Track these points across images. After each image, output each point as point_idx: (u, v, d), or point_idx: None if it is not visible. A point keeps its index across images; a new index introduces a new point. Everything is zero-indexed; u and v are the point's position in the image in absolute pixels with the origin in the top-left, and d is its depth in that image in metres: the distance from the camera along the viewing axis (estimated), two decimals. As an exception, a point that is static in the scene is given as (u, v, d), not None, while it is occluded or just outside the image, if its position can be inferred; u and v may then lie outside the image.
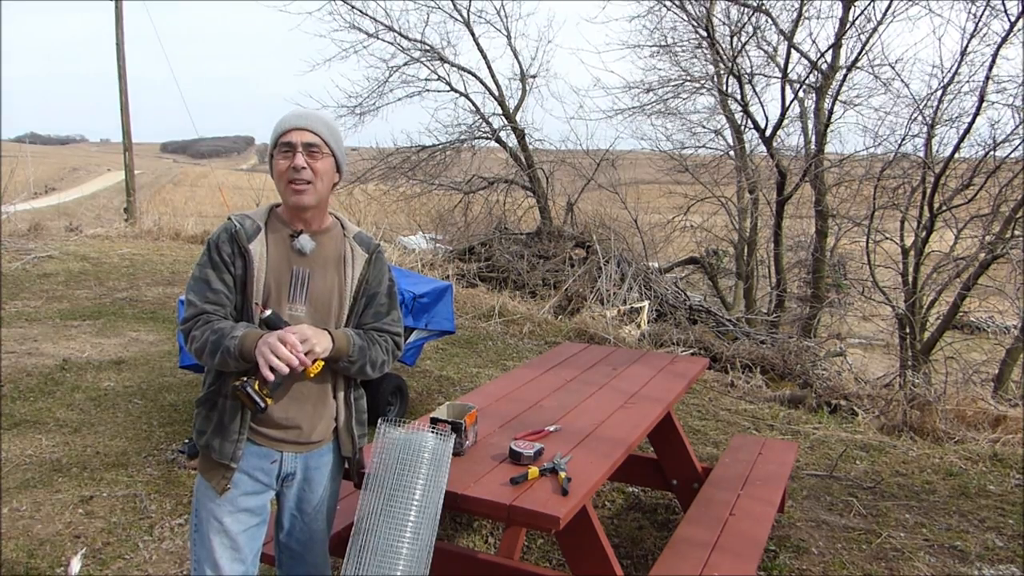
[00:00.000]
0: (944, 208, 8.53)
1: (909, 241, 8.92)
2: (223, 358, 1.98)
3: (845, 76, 10.05)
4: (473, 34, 12.17)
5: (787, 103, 10.54)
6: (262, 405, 1.97)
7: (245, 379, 1.97)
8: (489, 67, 12.33)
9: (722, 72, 11.03)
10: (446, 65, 12.19)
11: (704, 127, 12.64)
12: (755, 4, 10.04)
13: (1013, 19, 7.79)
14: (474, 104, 12.34)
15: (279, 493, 2.23)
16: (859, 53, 9.71)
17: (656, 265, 11.88)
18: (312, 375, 2.05)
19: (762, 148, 11.22)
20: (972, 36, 8.25)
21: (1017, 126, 8.19)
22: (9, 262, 10.11)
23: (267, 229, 2.12)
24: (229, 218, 2.13)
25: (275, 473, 2.17)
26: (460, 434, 2.49)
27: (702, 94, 12.12)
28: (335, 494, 2.32)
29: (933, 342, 8.30)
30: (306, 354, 1.97)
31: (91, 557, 3.40)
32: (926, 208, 8.62)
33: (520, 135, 12.25)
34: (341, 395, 2.23)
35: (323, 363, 2.06)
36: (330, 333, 2.08)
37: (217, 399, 2.11)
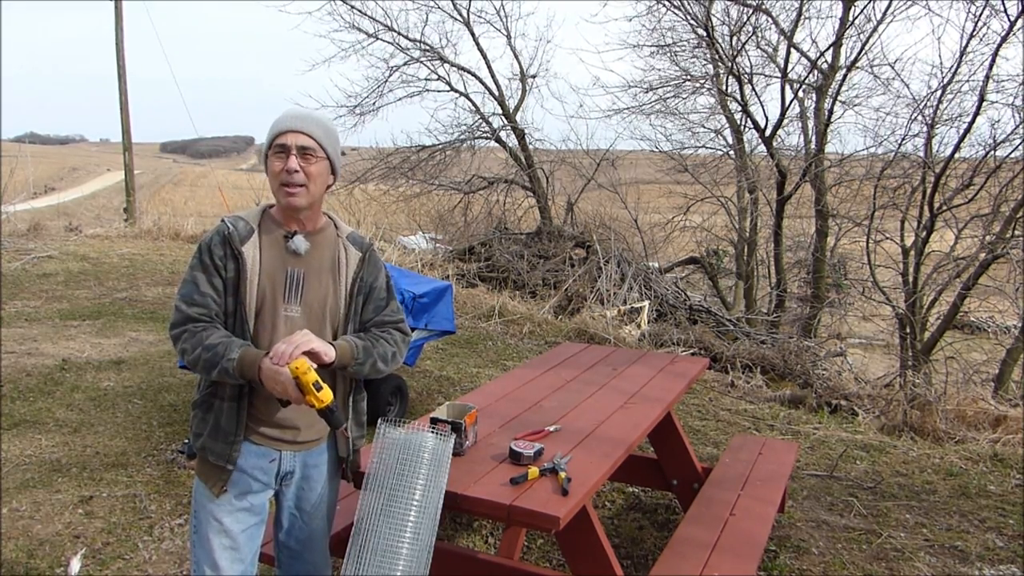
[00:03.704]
0: (944, 208, 8.53)
1: (909, 241, 8.91)
2: (222, 376, 2.02)
3: (845, 76, 10.06)
4: (473, 34, 12.19)
5: (787, 103, 10.54)
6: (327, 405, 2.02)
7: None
8: (489, 67, 12.35)
9: (722, 72, 11.02)
10: (446, 65, 12.20)
11: (704, 127, 12.65)
12: (755, 3, 10.03)
13: (1012, 19, 7.79)
14: (474, 104, 12.36)
15: (278, 492, 2.23)
16: (859, 53, 9.72)
17: (656, 265, 11.87)
18: (321, 405, 1.98)
19: (762, 148, 11.22)
20: (972, 36, 8.26)
21: (1017, 126, 8.20)
22: (9, 262, 10.11)
23: (260, 230, 2.12)
24: (222, 220, 2.13)
25: (274, 472, 2.17)
26: (460, 434, 2.49)
27: (702, 94, 12.13)
28: (334, 492, 2.32)
29: (933, 342, 8.29)
30: (304, 352, 1.98)
31: (91, 557, 3.40)
32: (926, 208, 8.61)
33: (520, 135, 12.25)
34: (340, 397, 2.23)
35: (329, 393, 2.00)
36: (332, 345, 2.08)
37: (213, 401, 2.10)
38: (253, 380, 1.99)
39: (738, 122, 11.85)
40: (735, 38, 10.48)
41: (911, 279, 8.75)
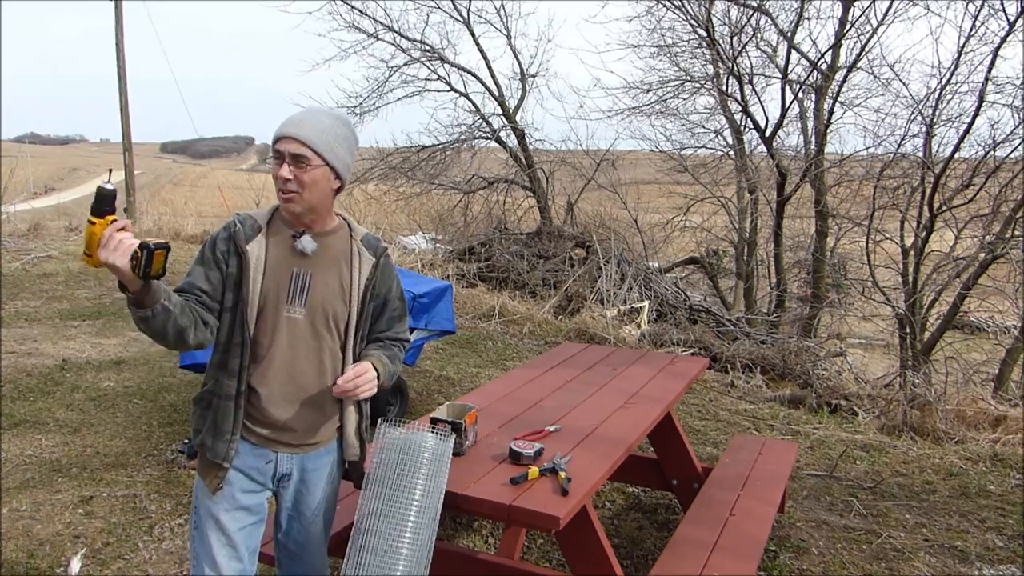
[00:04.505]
0: (944, 208, 8.52)
1: (909, 241, 8.92)
2: (132, 316, 1.88)
3: (845, 77, 10.05)
4: (473, 34, 12.18)
5: (787, 103, 10.54)
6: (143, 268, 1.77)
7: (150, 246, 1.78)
8: (489, 67, 12.34)
9: (722, 72, 11.02)
10: (446, 65, 12.19)
11: (704, 127, 12.63)
12: (755, 4, 10.03)
13: (1012, 19, 7.79)
14: (474, 104, 12.35)
15: (276, 493, 2.23)
16: (859, 54, 9.71)
17: (656, 265, 11.87)
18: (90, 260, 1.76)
19: (762, 148, 11.22)
20: (970, 36, 8.26)
21: (1017, 126, 8.19)
22: (9, 262, 10.11)
23: (268, 230, 2.12)
24: (233, 216, 2.13)
25: (270, 473, 2.17)
26: (460, 434, 2.49)
27: (702, 94, 12.12)
28: (334, 496, 2.31)
29: (933, 342, 8.29)
30: (357, 390, 2.08)
31: (91, 557, 3.40)
32: (926, 208, 8.61)
33: (520, 135, 12.24)
34: (352, 404, 2.23)
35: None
36: (375, 369, 2.13)
37: (212, 398, 2.10)
38: (123, 286, 1.81)
39: (738, 122, 11.84)
40: (735, 39, 10.47)
41: (911, 279, 8.75)
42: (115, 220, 1.79)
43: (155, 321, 1.86)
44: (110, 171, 1.91)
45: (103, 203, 1.80)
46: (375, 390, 2.12)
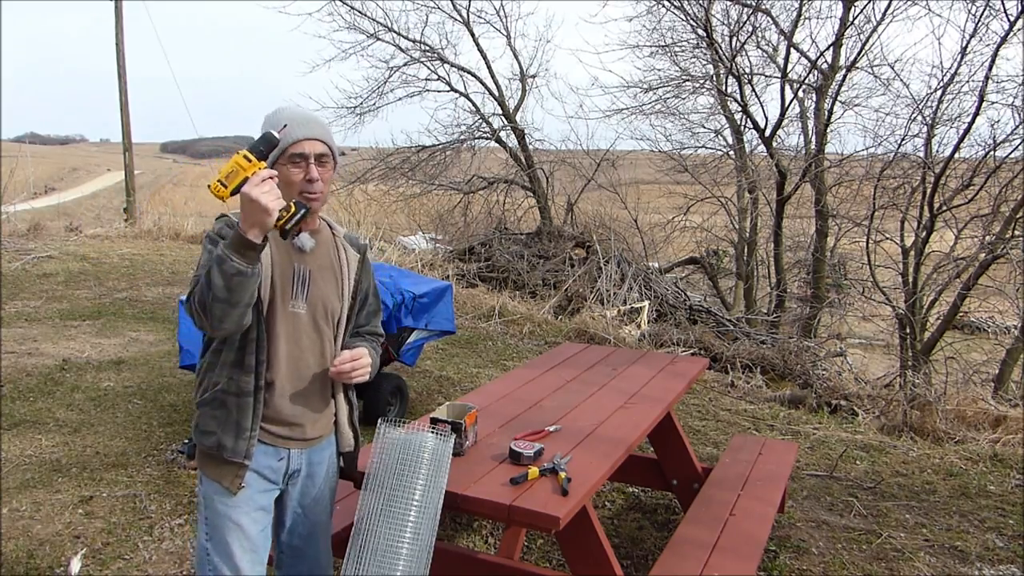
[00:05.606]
0: (944, 208, 8.53)
1: (909, 241, 8.92)
2: (221, 272, 1.84)
3: (845, 76, 10.06)
4: (473, 34, 12.19)
5: (787, 103, 10.55)
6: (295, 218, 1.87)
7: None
8: (489, 67, 12.35)
9: (721, 72, 11.03)
10: (446, 65, 12.21)
11: (704, 127, 12.65)
12: (754, 4, 10.03)
13: (1012, 19, 7.80)
14: (474, 104, 12.37)
15: (282, 491, 2.23)
16: (859, 53, 9.73)
17: (656, 265, 11.89)
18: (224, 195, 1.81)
19: (762, 148, 11.22)
20: (972, 36, 8.27)
21: (1017, 126, 8.20)
22: (9, 262, 10.10)
23: None
24: (227, 215, 2.08)
25: (283, 471, 2.18)
26: (460, 434, 2.49)
27: (702, 94, 12.13)
28: (334, 489, 2.34)
29: (933, 342, 8.30)
30: (352, 372, 2.11)
31: (91, 557, 3.40)
32: (926, 208, 8.62)
33: (520, 135, 12.25)
34: (341, 394, 2.27)
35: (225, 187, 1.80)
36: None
37: (226, 398, 2.08)
38: (244, 232, 1.84)
39: (738, 122, 11.85)
40: (735, 38, 10.48)
41: (911, 279, 8.75)
42: (266, 168, 1.86)
43: (250, 280, 1.88)
44: (284, 126, 1.99)
45: (266, 147, 1.85)
46: (368, 376, 2.17)
